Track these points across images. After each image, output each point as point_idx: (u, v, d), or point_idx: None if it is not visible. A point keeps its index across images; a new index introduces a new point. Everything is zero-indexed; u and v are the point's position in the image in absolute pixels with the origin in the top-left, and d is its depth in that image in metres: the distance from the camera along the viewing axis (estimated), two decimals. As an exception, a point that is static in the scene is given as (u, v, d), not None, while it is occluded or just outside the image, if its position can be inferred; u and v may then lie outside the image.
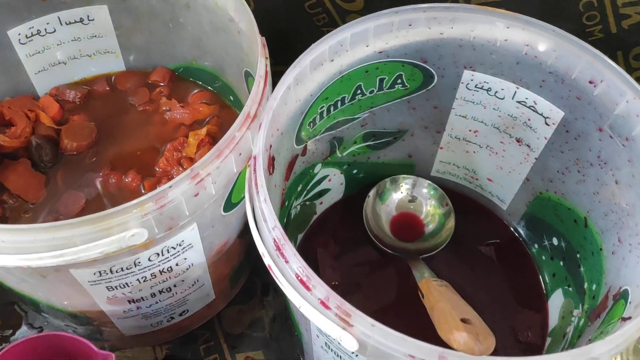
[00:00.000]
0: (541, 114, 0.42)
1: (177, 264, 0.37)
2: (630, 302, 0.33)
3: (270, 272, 0.31)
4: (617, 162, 0.38)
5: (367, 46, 0.40)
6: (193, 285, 0.41)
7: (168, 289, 0.39)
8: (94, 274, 0.34)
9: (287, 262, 0.29)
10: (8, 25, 0.44)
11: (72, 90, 0.49)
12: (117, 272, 0.35)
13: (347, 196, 0.52)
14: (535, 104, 0.42)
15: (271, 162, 0.36)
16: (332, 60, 0.39)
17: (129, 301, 0.38)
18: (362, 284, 0.48)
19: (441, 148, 0.49)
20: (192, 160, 0.45)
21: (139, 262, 0.35)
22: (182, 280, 0.39)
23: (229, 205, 0.37)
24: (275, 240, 0.30)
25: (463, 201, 0.52)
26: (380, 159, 0.50)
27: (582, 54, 0.38)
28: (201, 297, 0.43)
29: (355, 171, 0.50)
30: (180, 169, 0.45)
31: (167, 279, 0.38)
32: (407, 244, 0.50)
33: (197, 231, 0.36)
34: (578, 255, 0.43)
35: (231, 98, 0.49)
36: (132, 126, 0.48)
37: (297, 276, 0.29)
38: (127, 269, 0.35)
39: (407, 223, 0.51)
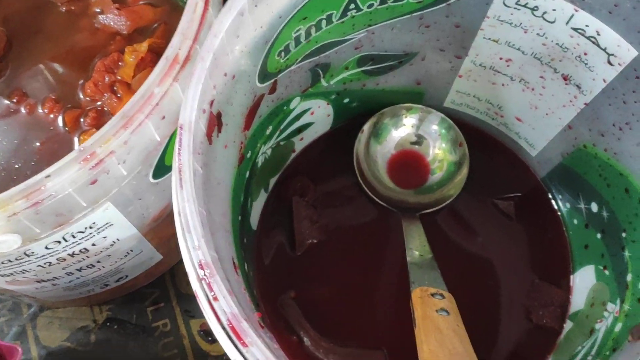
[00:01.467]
0: (604, 49, 0.30)
1: (93, 245, 0.28)
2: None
3: (198, 301, 0.21)
4: None
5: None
6: (126, 255, 0.32)
7: (90, 266, 0.31)
8: (-29, 268, 0.25)
9: (215, 300, 0.20)
10: None
11: (-28, -20, 0.37)
12: (3, 263, 0.26)
13: (335, 129, 0.41)
14: (598, 34, 0.30)
15: (214, 122, 0.25)
16: (312, -35, 0.27)
17: (38, 281, 0.30)
18: (347, 244, 0.39)
19: (460, 76, 0.38)
20: (128, 87, 0.34)
21: (33, 253, 0.26)
22: (108, 255, 0.31)
23: (161, 170, 0.27)
24: (200, 264, 0.20)
25: (481, 140, 0.41)
26: (380, 86, 0.39)
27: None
28: (142, 262, 0.35)
29: (346, 100, 0.39)
30: (114, 97, 0.34)
31: (84, 258, 0.29)
32: (407, 194, 0.40)
33: (113, 210, 0.26)
34: (624, 235, 0.33)
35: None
36: (52, 32, 0.37)
37: (230, 325, 0.20)
38: (16, 259, 0.26)
39: (408, 166, 0.41)
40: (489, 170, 0.41)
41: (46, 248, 0.26)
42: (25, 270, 0.28)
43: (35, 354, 0.37)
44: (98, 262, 0.31)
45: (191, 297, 0.39)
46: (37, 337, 0.38)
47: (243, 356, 0.20)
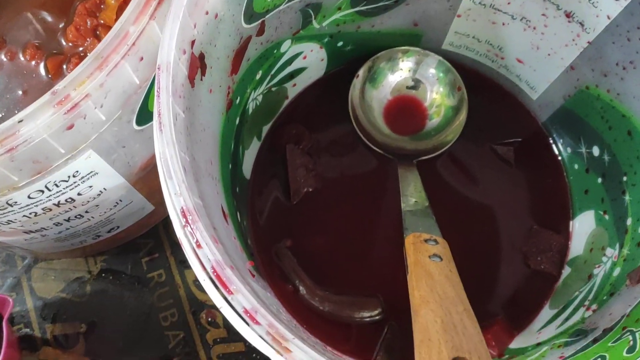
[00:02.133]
0: (610, -17, 0.28)
1: (79, 194, 0.27)
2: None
3: (183, 249, 0.21)
4: None
5: None
6: (115, 205, 0.32)
7: (78, 216, 0.30)
8: (-47, 218, 0.25)
9: (199, 247, 0.19)
10: None
11: None
12: (-14, 214, 0.25)
13: (329, 75, 0.40)
14: (605, -34, 0.28)
15: (197, 65, 0.24)
16: None
17: (25, 232, 0.29)
18: (342, 192, 0.38)
19: (459, 16, 0.36)
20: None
21: (16, 202, 0.25)
22: (97, 205, 0.30)
23: (145, 116, 0.26)
24: (182, 210, 0.20)
25: (481, 83, 0.40)
26: (376, 28, 0.38)
27: None
28: (133, 212, 0.34)
29: (340, 44, 0.38)
30: (96, 42, 0.33)
31: (70, 208, 0.28)
32: (404, 141, 0.39)
33: (97, 158, 0.25)
34: (625, 179, 0.33)
35: None
36: (31, -25, 0.35)
37: (214, 271, 0.19)
38: (0, 208, 0.25)
39: (405, 111, 0.40)
40: (488, 115, 0.40)
41: (29, 197, 0.25)
42: (11, 221, 0.27)
43: (30, 305, 0.38)
44: (86, 212, 0.30)
45: (185, 247, 0.39)
46: (32, 288, 0.38)
47: (229, 303, 0.19)
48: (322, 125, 0.39)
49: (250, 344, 0.36)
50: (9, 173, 0.21)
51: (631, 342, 0.24)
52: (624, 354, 0.23)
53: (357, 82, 0.39)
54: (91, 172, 0.26)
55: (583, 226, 0.36)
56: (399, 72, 0.39)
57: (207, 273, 0.20)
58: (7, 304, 0.29)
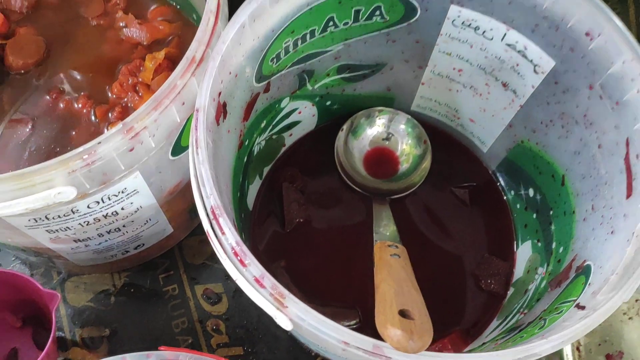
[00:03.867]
0: (530, 61, 0.38)
1: (122, 209, 0.35)
2: (589, 284, 0.31)
3: (208, 238, 0.29)
4: (603, 125, 0.35)
5: (341, -25, 0.35)
6: (145, 223, 0.39)
7: (117, 229, 0.38)
8: (29, 220, 0.32)
9: (223, 233, 0.27)
10: None
11: (19, -1, 0.44)
12: (53, 218, 0.33)
13: (319, 128, 0.49)
14: (526, 49, 0.38)
15: (221, 110, 0.32)
16: (297, -9, 0.34)
17: (75, 240, 0.37)
18: (329, 222, 0.46)
19: (423, 84, 0.46)
20: (148, 88, 0.42)
21: (77, 210, 0.33)
22: (132, 221, 0.38)
23: (177, 149, 0.35)
24: (212, 208, 0.28)
25: (442, 138, 0.49)
26: (357, 91, 0.47)
27: (582, 1, 0.33)
28: (157, 232, 0.42)
29: (329, 103, 0.47)
30: (136, 96, 0.41)
31: (113, 221, 0.36)
32: (379, 183, 0.47)
33: (141, 178, 0.33)
34: (551, 212, 0.41)
35: (194, 16, 0.44)
36: (84, 43, 0.44)
37: (233, 250, 0.27)
38: (64, 215, 0.33)
39: (381, 160, 0.49)
40: (448, 164, 0.48)
41: (88, 207, 0.33)
42: (68, 228, 0.35)
43: (63, 312, 0.44)
44: (123, 226, 0.38)
45: (196, 267, 0.46)
46: (65, 298, 0.45)
47: (243, 275, 0.27)
48: (312, 168, 0.48)
49: (248, 348, 0.43)
50: (84, 181, 0.29)
51: (542, 324, 0.31)
52: (536, 330, 0.31)
53: (341, 135, 0.48)
54: (134, 190, 0.34)
55: (523, 254, 0.44)
56: (376, 127, 0.48)
57: (227, 254, 0.27)
58: (55, 298, 0.36)
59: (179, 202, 0.41)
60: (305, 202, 0.46)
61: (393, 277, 0.31)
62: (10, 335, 0.41)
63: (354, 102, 0.48)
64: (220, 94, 0.32)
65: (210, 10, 0.31)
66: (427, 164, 0.47)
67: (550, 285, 0.37)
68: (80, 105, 0.41)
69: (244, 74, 0.35)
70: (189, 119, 0.33)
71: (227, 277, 0.46)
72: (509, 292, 0.44)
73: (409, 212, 0.47)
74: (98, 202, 0.33)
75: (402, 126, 0.48)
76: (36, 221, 0.33)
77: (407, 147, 0.48)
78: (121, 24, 0.44)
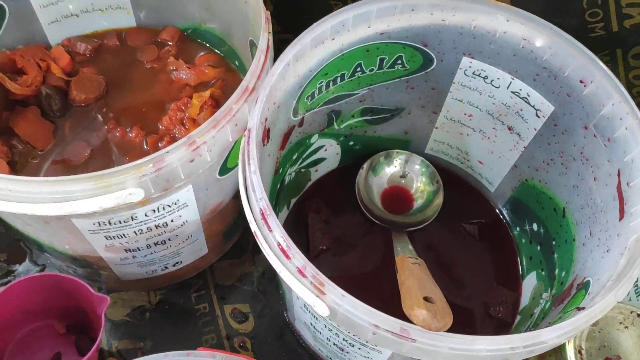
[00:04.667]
0: (533, 106, 0.43)
1: (172, 220, 0.40)
2: (589, 294, 0.35)
3: (256, 237, 0.33)
4: (598, 160, 0.40)
5: (369, 27, 0.41)
6: (187, 239, 0.44)
7: (163, 242, 0.42)
8: (94, 224, 0.37)
9: (270, 231, 0.32)
10: (23, -25, 0.45)
11: (83, 43, 0.50)
12: (114, 224, 0.37)
13: (342, 166, 0.54)
14: (528, 95, 0.43)
15: (266, 134, 0.38)
16: (333, 39, 0.40)
17: (126, 250, 0.41)
18: (349, 251, 0.50)
19: (436, 128, 0.51)
20: (194, 122, 0.47)
21: (136, 217, 0.37)
22: (177, 235, 0.42)
23: (224, 169, 0.39)
24: (261, 210, 0.32)
25: (453, 179, 0.54)
26: (377, 133, 0.52)
27: (576, 53, 0.39)
28: (194, 251, 0.46)
29: (351, 143, 0.52)
30: (183, 129, 0.47)
31: (162, 232, 0.41)
32: (396, 217, 0.52)
33: (192, 192, 0.38)
34: (554, 243, 0.45)
35: (236, 63, 0.50)
36: (139, 82, 0.50)
37: (279, 245, 0.31)
38: (124, 222, 0.37)
39: (397, 196, 0.53)
40: (458, 202, 0.53)
41: (145, 215, 0.37)
42: (124, 235, 0.39)
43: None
44: (169, 239, 0.42)
45: (226, 287, 0.50)
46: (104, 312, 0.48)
47: (286, 267, 0.31)
48: (335, 202, 0.52)
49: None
50: (151, 186, 0.34)
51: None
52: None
53: (362, 172, 0.53)
54: (184, 203, 0.39)
55: (529, 283, 0.48)
56: (393, 166, 0.53)
57: (273, 250, 0.32)
58: (105, 301, 0.40)
59: (217, 223, 0.45)
60: (328, 232, 0.50)
61: (415, 276, 0.35)
62: (55, 341, 0.45)
63: (374, 143, 0.53)
64: (266, 119, 0.37)
65: (262, 49, 0.37)
66: (439, 201, 0.52)
67: (554, 304, 0.41)
68: (133, 135, 0.47)
69: (284, 106, 0.40)
70: (237, 142, 0.38)
71: (255, 297, 0.50)
72: (516, 320, 0.47)
73: (423, 243, 0.51)
74: (154, 211, 0.37)
75: (417, 166, 0.53)
76: (99, 225, 0.37)
77: (421, 185, 0.53)
78: (172, 68, 0.50)
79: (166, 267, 0.46)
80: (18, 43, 0.48)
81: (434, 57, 0.44)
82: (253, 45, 0.44)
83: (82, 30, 0.51)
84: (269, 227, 0.32)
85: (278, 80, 0.37)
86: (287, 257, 0.31)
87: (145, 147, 0.46)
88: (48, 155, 0.46)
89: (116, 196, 0.33)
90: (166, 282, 0.49)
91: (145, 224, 0.38)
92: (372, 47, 0.43)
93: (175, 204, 0.38)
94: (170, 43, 0.52)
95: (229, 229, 0.48)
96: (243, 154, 0.35)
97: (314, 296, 0.30)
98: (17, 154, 0.46)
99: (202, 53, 0.52)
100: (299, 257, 0.31)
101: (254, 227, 0.33)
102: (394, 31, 0.42)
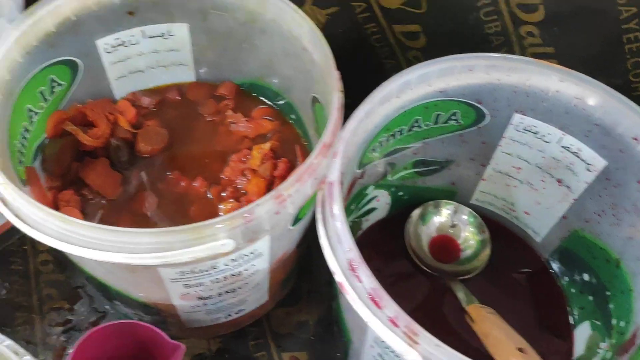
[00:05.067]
0: (584, 161, 0.45)
1: (245, 270, 0.41)
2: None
3: (341, 288, 0.34)
4: (653, 212, 0.41)
5: (430, 85, 0.44)
6: (253, 288, 0.45)
7: (233, 290, 0.43)
8: (177, 273, 0.38)
9: (360, 281, 0.33)
10: (98, 35, 0.48)
11: (147, 97, 0.53)
12: (196, 272, 0.38)
13: (390, 215, 0.56)
14: (580, 151, 0.45)
15: (340, 184, 0.39)
16: (398, 97, 0.43)
17: (199, 298, 0.42)
18: (399, 298, 0.51)
19: (483, 179, 0.53)
20: (254, 172, 0.49)
21: (217, 266, 0.39)
22: (246, 283, 0.43)
23: (296, 220, 0.41)
24: (350, 261, 0.34)
25: (499, 229, 0.55)
26: (426, 184, 0.54)
27: (628, 112, 0.41)
28: (257, 299, 0.47)
29: (401, 193, 0.54)
30: (244, 179, 0.49)
31: (234, 281, 0.42)
32: (444, 265, 0.53)
33: (268, 242, 0.40)
34: (608, 293, 0.46)
35: (292, 116, 0.53)
36: (200, 134, 0.52)
37: (370, 295, 0.33)
38: (205, 271, 0.39)
39: (445, 245, 0.55)
40: (504, 251, 0.54)
41: (224, 264, 0.39)
42: (201, 284, 0.40)
43: (162, 372, 0.48)
44: (239, 288, 0.43)
45: (283, 335, 0.51)
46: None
47: (377, 317, 0.32)
48: (384, 249, 0.54)
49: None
50: (240, 237, 0.35)
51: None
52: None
53: (411, 221, 0.54)
54: (260, 253, 0.40)
55: (582, 333, 0.49)
56: (442, 216, 0.55)
57: (362, 300, 0.33)
58: (179, 349, 0.41)
59: (280, 272, 0.47)
60: (379, 280, 0.52)
61: (499, 326, 0.36)
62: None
63: (421, 193, 0.55)
64: (341, 173, 0.39)
65: (336, 108, 0.39)
66: (487, 251, 0.53)
67: (617, 353, 0.42)
68: (197, 184, 0.48)
69: (353, 160, 0.42)
70: (313, 196, 0.40)
71: (312, 345, 0.51)
72: (570, 369, 0.48)
73: (473, 292, 0.52)
74: (234, 260, 0.39)
75: (465, 217, 0.55)
76: (182, 274, 0.38)
77: (469, 234, 0.54)
78: (231, 121, 0.53)
79: (229, 315, 0.47)
80: (87, 97, 0.50)
81: (487, 113, 0.47)
82: (316, 102, 0.47)
83: (145, 85, 0.54)
84: (358, 278, 0.33)
85: (352, 136, 0.40)
86: (379, 306, 0.32)
87: (210, 196, 0.48)
88: (117, 205, 0.47)
89: (209, 247, 0.34)
90: (225, 330, 0.50)
91: (222, 272, 0.40)
92: (430, 104, 0.45)
93: (252, 253, 0.40)
94: (227, 97, 0.54)
95: (288, 277, 0.50)
96: (324, 206, 0.37)
97: (406, 346, 0.31)
98: (87, 203, 0.47)
99: (258, 107, 0.54)
100: (391, 307, 0.32)
101: (339, 278, 0.34)
102: (452, 89, 0.45)
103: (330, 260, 0.35)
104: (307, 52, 0.45)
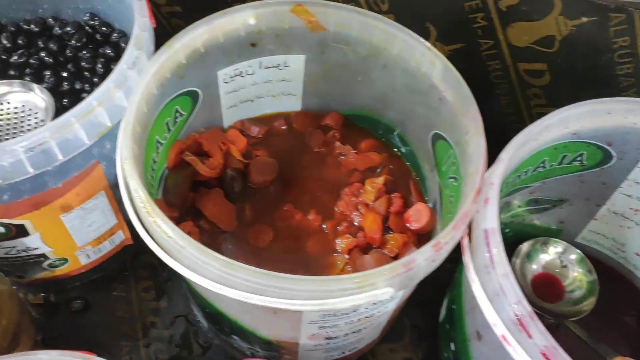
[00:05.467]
0: None
1: (378, 312, 0.40)
2: None
3: (503, 341, 0.33)
4: None
5: (566, 128, 0.43)
6: (375, 327, 0.44)
7: (358, 331, 0.42)
8: (319, 315, 0.37)
9: (531, 337, 0.32)
10: (220, 66, 0.47)
11: (255, 126, 0.52)
12: (337, 315, 0.38)
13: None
14: None
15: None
16: (536, 139, 0.42)
17: (326, 338, 0.42)
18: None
19: (595, 219, 0.52)
20: (368, 207, 0.48)
21: (356, 310, 0.38)
22: (372, 324, 0.42)
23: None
24: (518, 316, 0.33)
25: (604, 269, 0.54)
26: (533, 221, 0.53)
27: None
28: (372, 336, 0.47)
29: (507, 230, 0.53)
30: (358, 213, 0.48)
31: (364, 322, 0.41)
32: (550, 305, 0.52)
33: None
34: None
35: (403, 150, 0.52)
36: (309, 166, 0.51)
37: (542, 352, 0.32)
38: (346, 314, 0.38)
39: (550, 284, 0.54)
40: (612, 293, 0.53)
41: (365, 308, 0.38)
42: (336, 325, 0.39)
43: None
44: (365, 328, 0.42)
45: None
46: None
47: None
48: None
49: None
50: (398, 284, 0.34)
51: None
52: None
53: (517, 256, 0.53)
54: (397, 296, 0.40)
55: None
56: (548, 254, 0.54)
57: (532, 356, 0.32)
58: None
59: (397, 310, 0.46)
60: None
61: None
62: None
63: (527, 230, 0.54)
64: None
65: (480, 154, 0.39)
66: (596, 294, 0.52)
67: None
68: (312, 218, 0.48)
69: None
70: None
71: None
72: None
73: (583, 332, 0.51)
74: (374, 304, 0.38)
75: (573, 256, 0.54)
76: (324, 317, 0.38)
77: (578, 274, 0.53)
78: (339, 152, 0.52)
79: (343, 353, 0.46)
80: (200, 126, 0.50)
81: (614, 155, 0.46)
82: (439, 139, 0.46)
83: (252, 113, 0.53)
84: (528, 333, 0.32)
85: (496, 177, 0.39)
86: (529, 335, 0.31)
87: (326, 230, 0.47)
88: (233, 237, 0.47)
89: (369, 295, 0.33)
90: (332, 367, 0.49)
91: (358, 315, 0.39)
92: (560, 146, 0.44)
93: (392, 297, 0.39)
94: (334, 127, 0.54)
95: (400, 314, 0.49)
96: (475, 253, 0.36)
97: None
98: (204, 234, 0.47)
99: (365, 139, 0.53)
100: (541, 336, 0.31)
101: (500, 330, 0.33)
102: (584, 131, 0.44)
103: (488, 312, 0.34)
104: (435, 90, 0.44)
